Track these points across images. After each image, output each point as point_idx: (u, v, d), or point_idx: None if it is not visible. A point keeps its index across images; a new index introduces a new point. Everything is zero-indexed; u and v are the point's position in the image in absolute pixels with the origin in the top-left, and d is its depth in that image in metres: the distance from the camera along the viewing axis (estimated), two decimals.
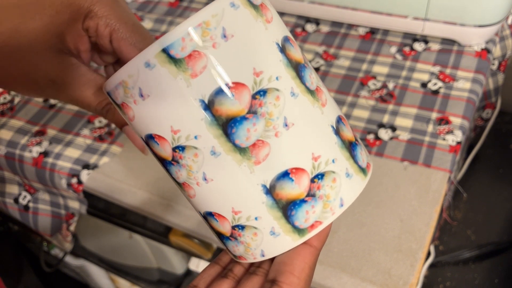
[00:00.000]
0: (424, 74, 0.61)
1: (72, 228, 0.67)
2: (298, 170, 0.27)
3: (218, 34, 0.26)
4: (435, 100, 0.58)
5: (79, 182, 0.59)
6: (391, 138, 0.56)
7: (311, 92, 0.28)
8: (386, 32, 0.67)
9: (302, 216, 0.28)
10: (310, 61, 0.66)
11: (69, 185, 0.59)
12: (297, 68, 0.28)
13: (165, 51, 0.25)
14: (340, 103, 0.60)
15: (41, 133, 0.63)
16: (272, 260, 0.30)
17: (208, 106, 0.26)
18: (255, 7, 0.27)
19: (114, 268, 0.89)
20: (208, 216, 0.30)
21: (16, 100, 0.68)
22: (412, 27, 0.63)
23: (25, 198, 0.67)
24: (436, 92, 0.59)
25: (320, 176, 0.28)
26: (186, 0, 0.78)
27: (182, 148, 0.27)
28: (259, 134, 0.27)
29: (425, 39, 0.65)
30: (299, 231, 0.28)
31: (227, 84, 0.26)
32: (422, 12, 0.60)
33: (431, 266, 0.67)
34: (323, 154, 0.28)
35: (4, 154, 0.63)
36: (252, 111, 0.26)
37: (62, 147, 0.61)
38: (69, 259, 0.92)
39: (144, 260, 0.82)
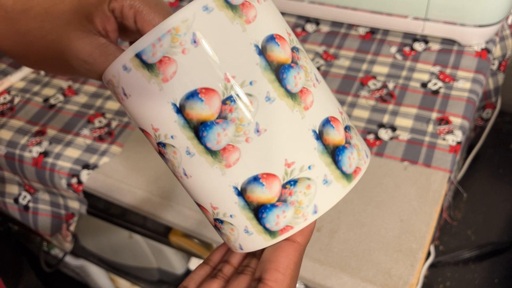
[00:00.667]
0: (424, 74, 0.61)
1: (72, 228, 0.67)
2: (269, 175, 0.28)
3: (187, 40, 0.26)
4: (435, 100, 0.58)
5: (79, 182, 0.59)
6: (391, 138, 0.56)
7: (292, 95, 0.28)
8: (386, 32, 0.67)
9: (273, 220, 0.28)
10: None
11: (69, 185, 0.59)
12: (279, 70, 0.28)
13: (138, 56, 0.26)
14: (340, 103, 0.60)
15: (41, 133, 0.63)
16: (259, 258, 0.31)
17: (180, 110, 0.27)
18: (232, 7, 0.27)
19: (114, 268, 0.89)
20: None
21: (16, 100, 0.68)
22: (412, 27, 0.63)
23: (25, 198, 0.67)
24: (436, 92, 0.59)
25: (293, 182, 0.28)
26: (186, 0, 0.78)
27: (163, 145, 0.29)
28: (229, 139, 0.27)
29: (425, 39, 0.65)
30: (271, 233, 0.29)
31: (197, 90, 0.26)
32: (422, 12, 0.60)
33: (431, 266, 0.67)
34: (298, 160, 0.28)
35: (4, 154, 0.63)
36: (222, 116, 0.27)
37: (62, 147, 0.61)
38: (69, 259, 0.92)
39: (144, 260, 0.82)
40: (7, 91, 0.70)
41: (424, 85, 0.60)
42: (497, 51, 0.65)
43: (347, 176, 0.29)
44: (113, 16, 0.30)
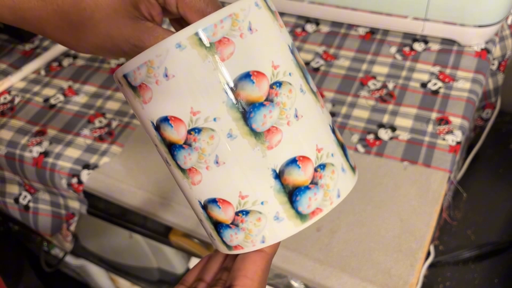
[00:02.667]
0: (424, 74, 0.61)
1: (72, 228, 0.67)
2: (305, 158, 0.30)
3: (245, 26, 0.28)
4: (435, 100, 0.59)
5: (79, 182, 0.59)
6: (391, 138, 0.56)
7: (314, 93, 0.31)
8: (386, 32, 0.67)
9: (306, 202, 0.30)
10: (310, 61, 0.66)
11: (69, 185, 0.59)
12: (303, 71, 0.31)
13: (197, 34, 0.28)
14: (340, 103, 0.60)
15: (41, 133, 0.63)
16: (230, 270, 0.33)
17: (232, 90, 0.28)
18: (272, 11, 0.30)
19: (114, 268, 0.89)
20: (209, 204, 0.31)
21: (17, 100, 0.68)
22: (412, 27, 0.63)
23: (25, 198, 0.67)
24: (436, 92, 0.59)
25: (322, 166, 0.30)
26: None
27: (198, 130, 0.29)
28: (273, 121, 0.29)
29: (425, 39, 0.65)
30: (302, 216, 0.30)
31: (249, 72, 0.28)
32: (422, 12, 0.60)
33: (431, 266, 0.67)
34: (325, 147, 0.30)
35: (4, 154, 0.63)
36: (269, 99, 0.29)
37: (62, 147, 0.61)
38: (69, 259, 0.92)
39: (144, 260, 0.83)
40: (8, 91, 0.70)
41: (424, 85, 0.60)
42: (496, 51, 0.65)
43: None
44: (156, 2, 0.33)
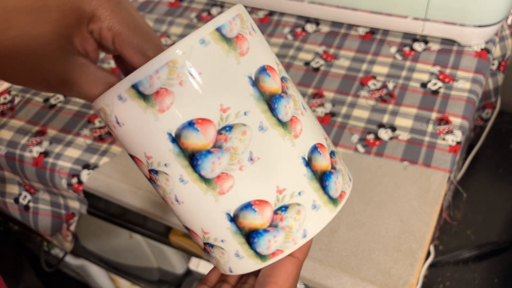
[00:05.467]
0: (424, 74, 0.62)
1: (72, 228, 0.67)
2: (262, 202, 0.28)
3: (185, 72, 0.26)
4: (435, 100, 0.59)
5: (79, 182, 0.59)
6: (391, 138, 0.56)
7: (283, 124, 0.29)
8: (386, 32, 0.67)
9: (264, 244, 0.29)
10: (310, 61, 0.66)
11: (69, 185, 0.59)
12: (270, 100, 0.29)
13: (134, 87, 0.27)
14: (340, 103, 0.60)
15: (41, 133, 0.63)
16: (257, 274, 0.32)
17: (175, 139, 0.27)
18: (228, 40, 0.28)
19: (114, 268, 0.89)
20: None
21: (16, 100, 0.68)
22: (412, 27, 0.63)
23: (25, 198, 0.67)
24: (436, 92, 0.59)
25: (284, 208, 0.29)
26: (186, 0, 0.78)
27: (155, 172, 0.29)
28: (223, 167, 0.28)
29: (425, 39, 0.65)
30: (261, 256, 0.30)
31: (193, 120, 0.27)
32: (422, 12, 0.60)
33: (431, 266, 0.67)
34: (289, 187, 0.29)
35: (4, 154, 0.63)
36: (217, 146, 0.27)
37: (62, 147, 0.61)
38: (69, 259, 0.92)
39: (144, 260, 0.83)
40: (7, 91, 0.70)
41: (424, 85, 0.60)
42: (496, 51, 0.65)
43: (334, 201, 0.30)
44: (92, 37, 0.30)
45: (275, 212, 0.29)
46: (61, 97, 0.68)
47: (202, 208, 0.29)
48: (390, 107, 0.59)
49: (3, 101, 0.68)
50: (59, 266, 0.96)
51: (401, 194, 0.51)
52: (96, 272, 0.94)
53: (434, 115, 0.57)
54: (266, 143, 0.28)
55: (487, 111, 0.72)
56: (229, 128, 0.27)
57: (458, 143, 0.54)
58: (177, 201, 0.29)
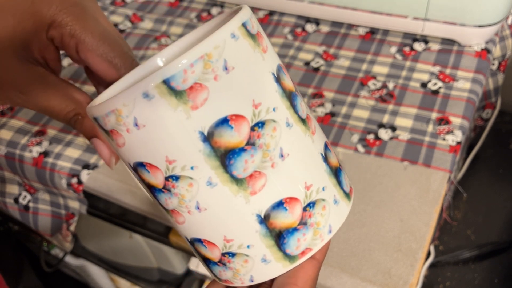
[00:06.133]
0: (424, 74, 0.61)
1: (72, 228, 0.67)
2: (292, 199, 0.28)
3: (219, 67, 0.25)
4: (435, 100, 0.58)
5: (79, 182, 0.59)
6: (391, 138, 0.56)
7: (303, 121, 0.28)
8: (386, 32, 0.67)
9: (294, 244, 0.28)
10: (310, 61, 0.66)
11: (69, 185, 0.59)
12: (290, 98, 0.28)
13: (166, 82, 0.25)
14: (340, 103, 0.60)
15: (41, 133, 0.63)
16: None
17: (207, 138, 0.26)
18: (252, 36, 0.27)
19: (114, 268, 0.89)
20: (196, 242, 0.30)
21: None
22: (412, 27, 0.63)
23: (25, 198, 0.67)
24: (436, 92, 0.59)
25: (312, 204, 0.28)
26: (186, 0, 0.78)
27: (176, 178, 0.27)
28: (256, 165, 0.27)
29: (425, 39, 0.65)
30: (290, 258, 0.29)
31: (227, 116, 0.26)
32: (422, 12, 0.60)
33: (431, 266, 0.67)
34: (315, 183, 0.28)
35: (4, 154, 0.63)
36: (250, 143, 0.26)
37: (62, 147, 0.61)
38: (69, 259, 0.92)
39: (144, 260, 0.83)
40: None
41: (424, 85, 0.60)
42: (497, 51, 0.65)
43: (347, 195, 0.30)
44: (53, 44, 0.28)
45: (304, 209, 0.28)
46: None
47: (229, 213, 0.28)
48: (390, 107, 0.59)
49: None
50: (59, 266, 0.96)
51: (401, 194, 0.51)
52: (96, 272, 0.94)
53: (434, 115, 0.57)
54: (293, 139, 0.28)
55: (487, 111, 0.72)
56: (261, 124, 0.26)
57: (458, 143, 0.54)
58: (197, 208, 0.28)
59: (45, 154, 0.61)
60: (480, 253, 0.67)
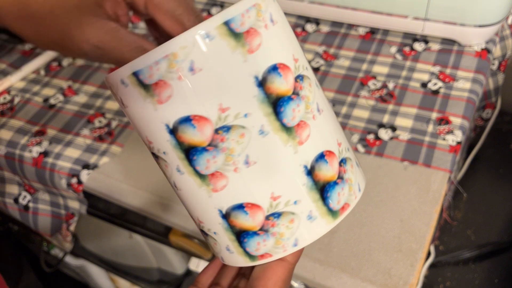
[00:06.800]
0: (424, 74, 0.61)
1: (72, 228, 0.67)
2: (254, 206, 0.28)
3: (185, 67, 0.25)
4: (435, 100, 0.58)
5: (79, 182, 0.59)
6: (391, 138, 0.56)
7: (287, 129, 0.27)
8: (386, 32, 0.67)
9: (253, 246, 0.29)
10: (310, 61, 0.66)
11: (69, 185, 0.59)
12: (277, 103, 0.27)
13: (135, 74, 0.26)
14: (340, 103, 0.60)
15: (41, 133, 0.63)
16: (249, 277, 0.31)
17: (173, 131, 0.27)
18: (236, 36, 0.26)
19: (114, 268, 0.89)
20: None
21: (16, 100, 0.68)
22: (412, 27, 0.63)
23: (25, 198, 0.67)
24: (436, 92, 0.59)
25: (277, 215, 0.28)
26: None
27: (227, 129, 0.27)
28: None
29: (425, 39, 0.65)
30: (250, 256, 0.29)
31: (190, 116, 0.26)
32: (422, 12, 0.60)
33: (431, 266, 0.67)
34: (285, 194, 0.28)
35: (4, 154, 0.63)
36: (213, 144, 0.27)
37: (62, 147, 0.61)
38: (69, 259, 0.92)
39: (144, 260, 0.83)
40: (7, 91, 0.70)
41: (424, 85, 0.60)
42: (497, 51, 0.65)
43: (333, 213, 0.29)
44: (124, 1, 0.31)
45: (267, 218, 0.28)
46: (60, 97, 0.67)
47: (196, 200, 0.29)
48: (390, 107, 0.59)
49: (2, 101, 0.68)
50: (58, 266, 0.96)
51: (401, 194, 0.51)
52: (96, 272, 0.94)
53: (434, 115, 0.57)
54: (265, 148, 0.27)
55: (488, 111, 0.72)
56: (226, 128, 0.26)
57: (459, 143, 0.54)
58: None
59: (45, 154, 0.61)
60: (480, 253, 0.67)
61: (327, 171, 0.28)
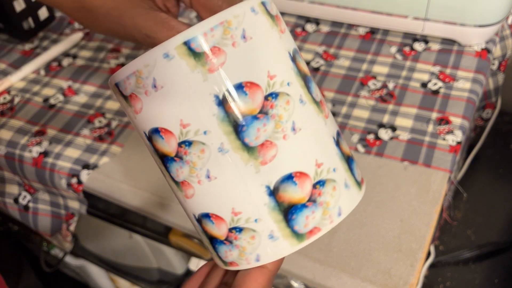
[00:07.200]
0: (424, 74, 0.61)
1: (72, 228, 0.67)
2: (302, 174, 0.28)
3: (238, 34, 0.27)
4: (435, 100, 0.58)
5: (79, 182, 0.59)
6: (391, 138, 0.56)
7: (317, 103, 0.29)
8: (386, 32, 0.67)
9: (302, 221, 0.28)
10: (310, 61, 0.66)
11: (69, 185, 0.59)
12: (305, 79, 0.29)
13: (186, 44, 0.26)
14: (340, 103, 0.60)
15: (41, 133, 0.63)
16: (231, 286, 0.31)
17: (222, 102, 0.26)
18: (271, 16, 0.28)
19: (114, 268, 0.89)
20: (203, 219, 0.29)
21: (16, 100, 0.68)
22: (412, 27, 0.63)
23: (25, 198, 0.67)
24: (436, 92, 0.59)
25: (322, 183, 0.28)
26: None
27: (189, 143, 0.27)
28: (268, 135, 0.27)
29: (425, 39, 0.65)
30: (298, 236, 0.28)
31: (242, 83, 0.26)
32: (422, 12, 0.60)
33: (431, 266, 0.67)
34: (326, 162, 0.29)
35: (4, 154, 0.63)
36: (263, 112, 0.27)
37: (62, 147, 0.61)
38: (69, 259, 0.92)
39: (144, 260, 0.83)
40: (7, 91, 0.70)
41: (424, 85, 0.60)
42: (497, 51, 0.65)
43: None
44: None
45: (314, 186, 0.28)
46: (60, 97, 0.67)
47: (239, 182, 0.28)
48: (390, 107, 0.59)
49: (2, 101, 0.68)
50: (58, 266, 0.96)
51: (401, 194, 0.51)
52: (96, 273, 0.94)
53: (434, 115, 0.57)
54: (306, 116, 0.28)
55: (488, 111, 0.72)
56: (275, 95, 0.27)
57: (459, 143, 0.54)
58: (208, 177, 0.28)
59: (45, 154, 0.61)
60: (480, 253, 0.67)
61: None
